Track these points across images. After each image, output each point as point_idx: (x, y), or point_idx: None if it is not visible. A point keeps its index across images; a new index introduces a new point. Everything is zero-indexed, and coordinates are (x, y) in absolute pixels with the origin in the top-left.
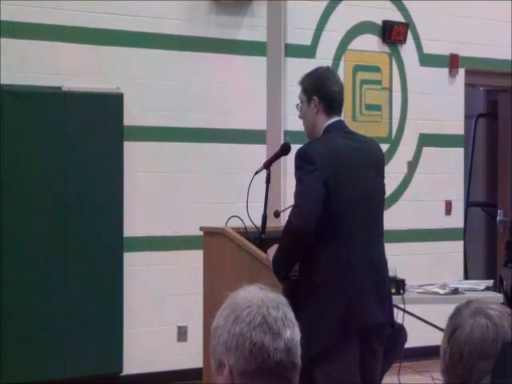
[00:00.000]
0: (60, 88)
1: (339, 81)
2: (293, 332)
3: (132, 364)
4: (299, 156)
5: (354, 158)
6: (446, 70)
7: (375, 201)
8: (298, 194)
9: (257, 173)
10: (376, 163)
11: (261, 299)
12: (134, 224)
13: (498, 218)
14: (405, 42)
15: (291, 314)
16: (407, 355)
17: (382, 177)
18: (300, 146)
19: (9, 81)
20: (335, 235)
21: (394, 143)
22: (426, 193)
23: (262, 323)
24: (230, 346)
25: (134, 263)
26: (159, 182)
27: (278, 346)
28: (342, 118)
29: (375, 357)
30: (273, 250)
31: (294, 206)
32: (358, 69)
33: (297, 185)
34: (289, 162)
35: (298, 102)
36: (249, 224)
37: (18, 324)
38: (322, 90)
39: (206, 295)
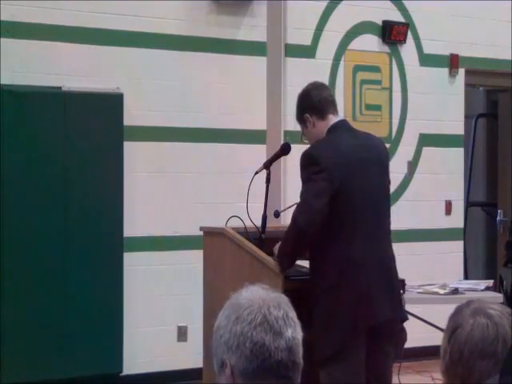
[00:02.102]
0: (60, 88)
1: (319, 85)
2: (294, 331)
3: (132, 364)
4: (305, 158)
5: (359, 156)
6: (445, 70)
7: (382, 198)
8: (305, 192)
9: (257, 173)
10: (381, 160)
11: (262, 299)
12: (134, 224)
13: (498, 218)
14: (405, 42)
15: (293, 313)
16: (407, 355)
17: (388, 173)
18: (300, 146)
19: (9, 81)
20: (343, 234)
21: (394, 143)
22: (426, 193)
23: (262, 322)
24: (232, 345)
25: (134, 263)
26: (159, 182)
27: (278, 345)
28: (342, 117)
29: (386, 357)
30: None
31: (301, 203)
32: (358, 69)
33: (303, 185)
34: (289, 162)
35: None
36: (249, 224)
37: (18, 324)
38: (306, 106)
39: (206, 295)
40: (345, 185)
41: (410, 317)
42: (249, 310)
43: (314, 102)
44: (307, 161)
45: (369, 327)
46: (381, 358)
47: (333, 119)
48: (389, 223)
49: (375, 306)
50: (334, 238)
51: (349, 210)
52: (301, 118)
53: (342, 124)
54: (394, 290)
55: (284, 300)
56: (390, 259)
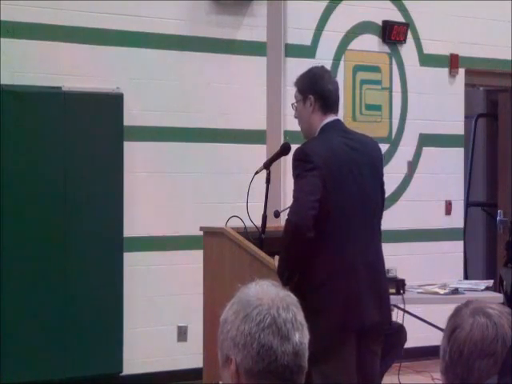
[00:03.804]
0: (60, 88)
1: (334, 79)
2: (301, 335)
3: (132, 364)
4: (297, 156)
5: (351, 158)
6: (445, 70)
7: (373, 201)
8: (296, 191)
9: (257, 173)
10: (374, 162)
11: (271, 299)
12: (134, 224)
13: (498, 218)
14: (405, 42)
15: (301, 316)
16: (407, 355)
17: (381, 176)
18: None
19: (9, 81)
20: (333, 235)
21: (394, 143)
22: (426, 193)
23: (271, 324)
24: (238, 343)
25: (134, 263)
26: (159, 182)
27: (286, 349)
28: (342, 117)
29: (373, 356)
30: None
31: (293, 202)
32: (358, 69)
33: (295, 182)
34: (289, 162)
35: (294, 101)
36: (249, 224)
37: (18, 324)
38: (316, 89)
39: (206, 295)
40: (336, 185)
41: (410, 317)
42: (258, 310)
43: (325, 91)
44: (300, 157)
45: (357, 329)
46: (368, 358)
47: (330, 118)
48: (379, 225)
49: (365, 309)
50: (324, 239)
51: (339, 210)
52: (303, 94)
53: (336, 124)
54: (383, 292)
55: (293, 301)
56: (380, 261)
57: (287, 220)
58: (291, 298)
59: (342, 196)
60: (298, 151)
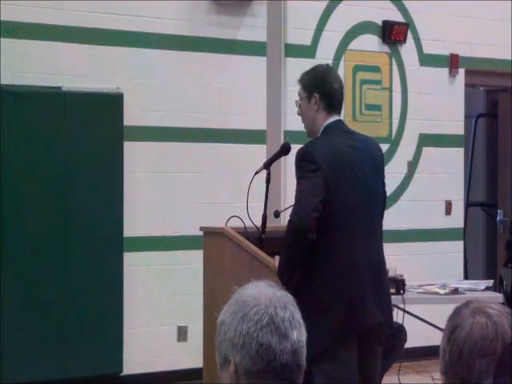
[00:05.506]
0: (60, 88)
1: (339, 78)
2: (299, 333)
3: (132, 364)
4: (300, 156)
5: (354, 158)
6: (445, 70)
7: (375, 201)
8: (299, 192)
9: (257, 173)
10: (375, 163)
11: (268, 298)
12: (134, 224)
13: (498, 218)
14: (405, 42)
15: (298, 315)
16: (407, 355)
17: (382, 176)
18: (300, 145)
19: (9, 81)
20: (335, 236)
21: (394, 143)
22: (426, 193)
23: (269, 323)
24: (237, 343)
25: (134, 263)
26: (159, 182)
27: (284, 347)
28: (342, 117)
29: (374, 357)
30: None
31: (295, 203)
32: (358, 69)
33: (298, 183)
34: (289, 162)
35: (298, 98)
36: (249, 224)
37: (18, 324)
38: (322, 88)
39: (206, 295)
40: (339, 185)
41: (410, 317)
42: (255, 310)
43: (330, 90)
44: (303, 158)
45: (360, 328)
46: (369, 359)
47: (333, 118)
48: (381, 225)
49: (367, 309)
50: (326, 239)
51: (342, 211)
52: (309, 92)
53: (338, 125)
54: (384, 293)
55: (289, 300)
56: (381, 261)
57: (289, 221)
58: (288, 297)
59: (344, 196)
60: (300, 152)
